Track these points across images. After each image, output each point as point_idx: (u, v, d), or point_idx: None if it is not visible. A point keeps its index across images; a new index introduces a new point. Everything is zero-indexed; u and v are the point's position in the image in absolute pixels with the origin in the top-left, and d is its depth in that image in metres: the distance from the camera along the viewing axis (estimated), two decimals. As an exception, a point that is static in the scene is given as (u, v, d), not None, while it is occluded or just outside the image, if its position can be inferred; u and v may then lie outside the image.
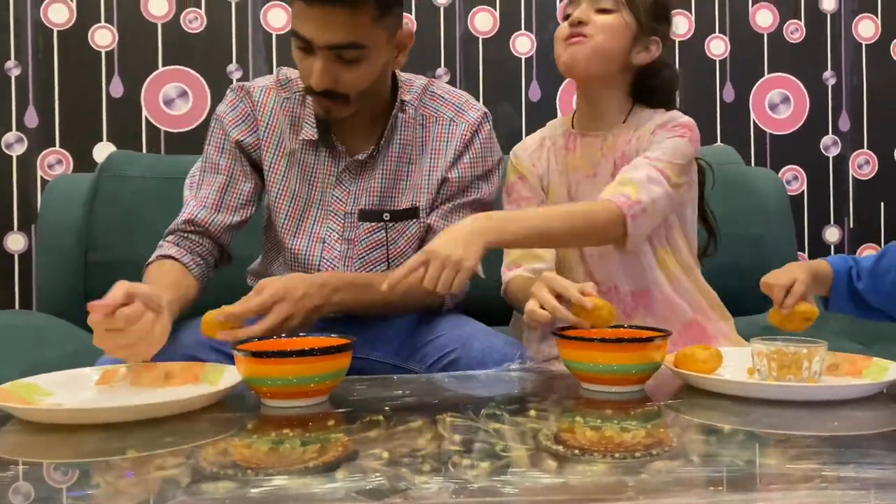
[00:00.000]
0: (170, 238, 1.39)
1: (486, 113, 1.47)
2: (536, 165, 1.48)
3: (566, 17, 1.41)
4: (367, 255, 1.43)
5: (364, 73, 1.31)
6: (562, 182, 1.46)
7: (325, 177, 1.43)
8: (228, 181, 1.43)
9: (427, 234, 1.45)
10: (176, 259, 1.35)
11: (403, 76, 1.47)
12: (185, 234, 1.40)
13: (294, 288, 1.23)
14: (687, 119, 1.40)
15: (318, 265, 1.42)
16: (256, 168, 1.46)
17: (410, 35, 1.38)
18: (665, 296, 1.42)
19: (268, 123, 1.44)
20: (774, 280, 1.26)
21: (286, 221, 1.44)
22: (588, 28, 1.37)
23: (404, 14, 2.26)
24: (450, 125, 1.45)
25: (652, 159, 1.33)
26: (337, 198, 1.43)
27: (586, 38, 1.37)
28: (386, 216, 1.43)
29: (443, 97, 1.47)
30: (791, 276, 1.25)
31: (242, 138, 1.43)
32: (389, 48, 1.34)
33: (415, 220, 1.44)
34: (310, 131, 1.42)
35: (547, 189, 1.48)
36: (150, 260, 1.38)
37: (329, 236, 1.43)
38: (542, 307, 1.14)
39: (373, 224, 1.43)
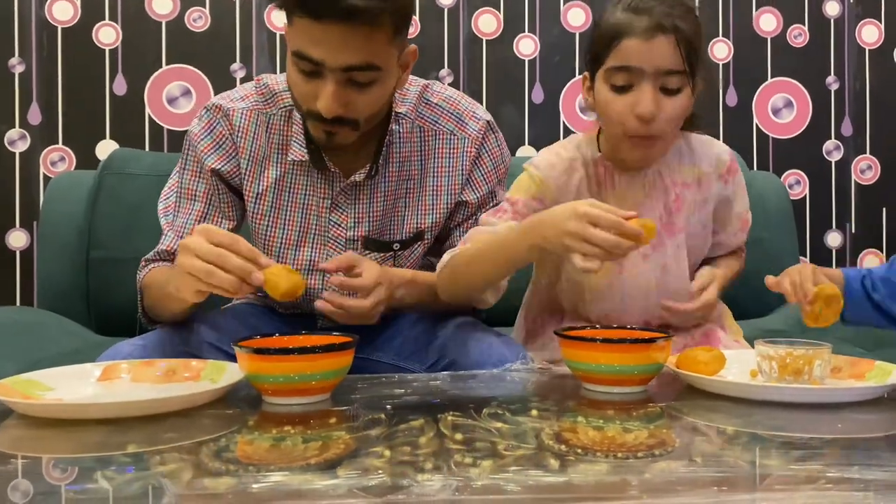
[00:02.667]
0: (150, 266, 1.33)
1: (488, 122, 1.39)
2: (563, 193, 1.32)
3: (620, 87, 1.24)
4: None
5: (377, 96, 1.22)
6: None
7: (318, 201, 1.34)
8: (207, 209, 1.35)
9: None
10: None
11: None
12: (165, 262, 1.33)
13: (384, 274, 1.26)
14: (734, 156, 1.43)
15: (320, 295, 1.28)
16: (236, 192, 1.37)
17: (415, 53, 1.28)
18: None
19: (251, 151, 1.33)
20: (780, 281, 1.25)
21: (281, 251, 1.36)
22: (657, 125, 1.24)
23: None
24: (451, 139, 1.37)
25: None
26: (335, 223, 1.35)
27: (657, 138, 1.26)
28: (396, 246, 1.37)
29: (440, 105, 1.38)
30: (794, 272, 1.25)
31: (219, 166, 1.34)
32: (398, 68, 1.25)
33: (420, 243, 1.40)
34: (299, 151, 1.31)
35: None
36: (140, 278, 1.32)
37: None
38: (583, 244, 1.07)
39: (382, 254, 1.37)
